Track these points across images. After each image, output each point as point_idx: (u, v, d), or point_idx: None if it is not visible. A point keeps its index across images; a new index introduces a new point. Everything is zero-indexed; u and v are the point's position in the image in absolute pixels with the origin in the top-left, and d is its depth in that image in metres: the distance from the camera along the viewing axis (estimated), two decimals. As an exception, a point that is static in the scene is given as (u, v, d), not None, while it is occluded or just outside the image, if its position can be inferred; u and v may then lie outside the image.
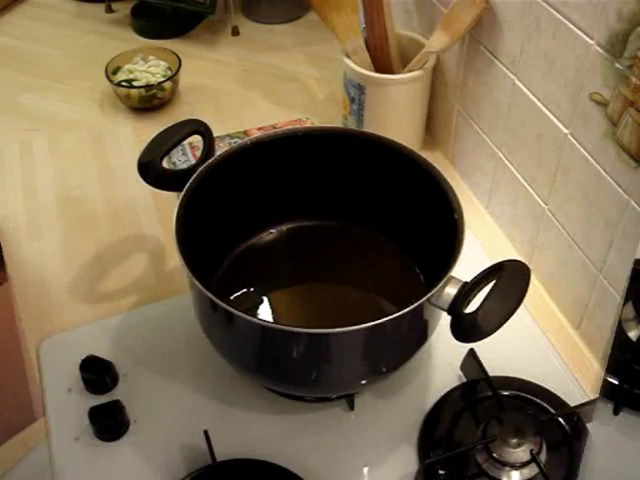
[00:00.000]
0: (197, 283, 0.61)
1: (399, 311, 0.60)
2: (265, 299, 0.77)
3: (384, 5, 0.91)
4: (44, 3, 1.34)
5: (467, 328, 0.60)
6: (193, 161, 0.95)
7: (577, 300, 0.78)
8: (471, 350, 0.73)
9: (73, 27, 1.29)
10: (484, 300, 0.60)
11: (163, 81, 1.08)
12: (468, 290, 0.62)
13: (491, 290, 0.61)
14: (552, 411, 0.71)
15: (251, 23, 1.30)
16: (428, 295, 0.61)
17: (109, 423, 0.69)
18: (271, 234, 0.83)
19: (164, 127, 0.74)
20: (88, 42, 1.25)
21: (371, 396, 0.74)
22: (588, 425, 0.70)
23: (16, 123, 1.06)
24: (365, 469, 0.69)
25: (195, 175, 0.70)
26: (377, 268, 0.81)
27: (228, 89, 1.15)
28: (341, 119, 1.03)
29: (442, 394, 0.73)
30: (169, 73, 1.11)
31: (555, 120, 0.75)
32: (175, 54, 1.12)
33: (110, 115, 1.10)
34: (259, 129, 1.02)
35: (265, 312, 0.76)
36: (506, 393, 0.72)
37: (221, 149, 0.74)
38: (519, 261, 0.64)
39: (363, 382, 0.70)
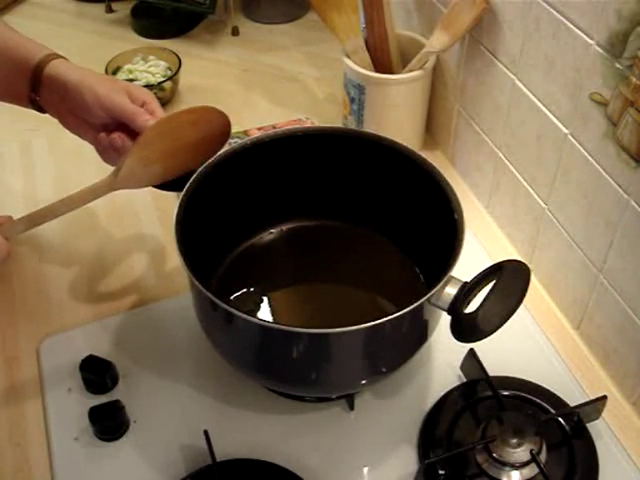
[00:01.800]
0: (197, 283, 0.61)
1: (399, 311, 0.59)
2: (265, 299, 0.77)
3: (384, 5, 0.91)
4: (44, 3, 1.34)
5: (467, 328, 0.60)
6: (193, 161, 0.95)
7: (577, 300, 0.78)
8: (471, 350, 0.73)
9: (73, 27, 1.29)
10: (484, 300, 0.60)
11: (163, 81, 1.08)
12: (468, 290, 0.62)
13: (491, 290, 0.61)
14: (552, 411, 0.71)
15: (251, 23, 1.30)
16: (428, 295, 0.61)
17: (109, 423, 0.69)
18: (271, 234, 0.83)
19: (164, 127, 0.74)
20: (88, 42, 1.25)
21: (371, 396, 0.74)
22: (588, 425, 0.70)
23: (16, 123, 1.06)
24: (365, 469, 0.69)
25: (195, 175, 0.70)
26: (377, 268, 0.81)
27: (228, 89, 1.15)
28: (341, 119, 1.03)
29: (442, 394, 0.73)
30: (169, 73, 1.11)
31: (555, 120, 0.75)
32: (175, 54, 1.12)
33: (110, 115, 1.10)
34: (259, 129, 1.02)
35: (265, 312, 0.76)
36: (506, 393, 0.72)
37: (221, 149, 0.75)
38: (519, 261, 0.64)
39: (363, 382, 0.70)
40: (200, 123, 0.71)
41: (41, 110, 0.75)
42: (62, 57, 0.73)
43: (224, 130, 0.73)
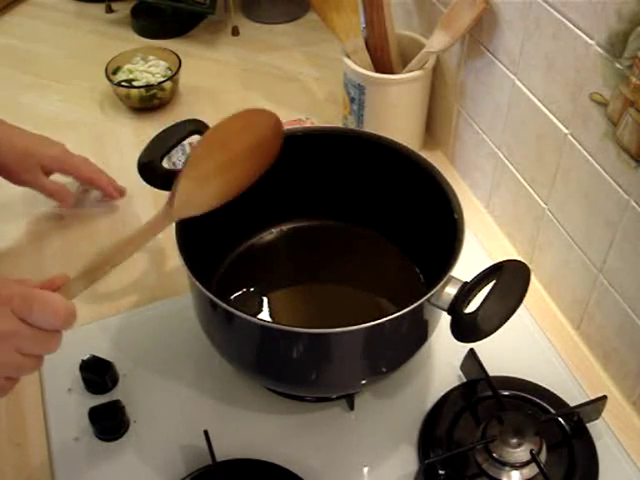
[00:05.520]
0: (197, 283, 0.61)
1: (399, 311, 0.60)
2: (265, 299, 0.77)
3: (384, 5, 0.91)
4: (44, 3, 1.35)
5: (467, 328, 0.60)
6: (193, 161, 0.95)
7: (577, 300, 0.78)
8: (471, 350, 0.73)
9: (73, 27, 1.29)
10: (484, 300, 0.60)
11: (163, 81, 1.08)
12: (468, 290, 0.62)
13: (491, 290, 0.61)
14: (552, 411, 0.71)
15: (251, 23, 1.30)
16: (428, 295, 0.61)
17: (109, 423, 0.69)
18: (271, 234, 0.83)
19: (164, 127, 0.74)
20: (88, 42, 1.25)
21: (371, 396, 0.74)
22: (588, 425, 0.70)
23: (16, 123, 1.06)
24: (365, 469, 0.69)
25: (195, 175, 0.70)
26: (377, 268, 0.81)
27: (228, 89, 1.15)
28: (341, 119, 1.03)
29: (442, 394, 0.73)
30: (169, 73, 1.11)
31: (555, 120, 0.75)
32: (175, 54, 1.12)
33: (110, 115, 1.10)
34: (259, 129, 1.02)
35: (265, 312, 0.76)
36: (506, 393, 0.72)
37: (221, 149, 0.74)
38: (519, 261, 0.64)
39: (363, 382, 0.70)
40: (250, 127, 0.65)
41: None
42: None
43: (277, 130, 0.67)
